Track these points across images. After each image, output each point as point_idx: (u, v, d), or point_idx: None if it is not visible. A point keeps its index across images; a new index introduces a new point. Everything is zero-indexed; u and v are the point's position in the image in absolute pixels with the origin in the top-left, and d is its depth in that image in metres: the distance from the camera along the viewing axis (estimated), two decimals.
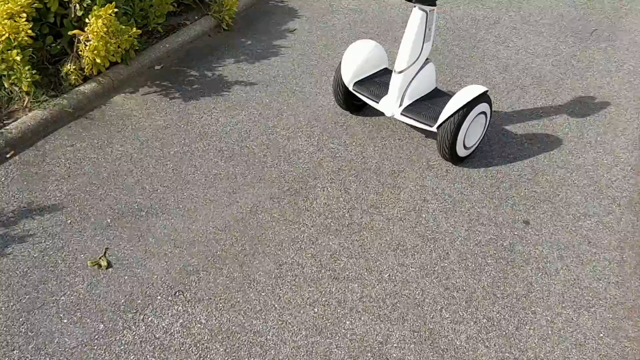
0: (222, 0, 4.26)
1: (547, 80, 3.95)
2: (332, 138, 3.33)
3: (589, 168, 3.20)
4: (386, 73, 3.36)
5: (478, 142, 3.24)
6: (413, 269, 2.56)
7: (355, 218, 2.81)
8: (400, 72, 3.10)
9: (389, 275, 2.53)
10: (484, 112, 3.11)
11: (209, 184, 2.98)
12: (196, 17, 4.31)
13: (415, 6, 2.95)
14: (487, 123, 3.22)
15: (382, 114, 3.25)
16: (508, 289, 2.50)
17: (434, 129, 3.05)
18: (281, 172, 3.07)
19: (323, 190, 2.96)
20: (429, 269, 2.57)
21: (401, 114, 3.14)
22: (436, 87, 3.34)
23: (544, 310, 2.41)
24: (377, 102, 3.22)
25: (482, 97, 3.02)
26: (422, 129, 3.18)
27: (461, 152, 3.12)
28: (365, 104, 3.39)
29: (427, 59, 3.18)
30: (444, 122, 2.98)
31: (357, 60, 3.30)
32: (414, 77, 3.14)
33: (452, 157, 3.11)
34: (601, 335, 2.32)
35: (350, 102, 3.46)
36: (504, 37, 4.45)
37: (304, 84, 3.81)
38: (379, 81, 3.31)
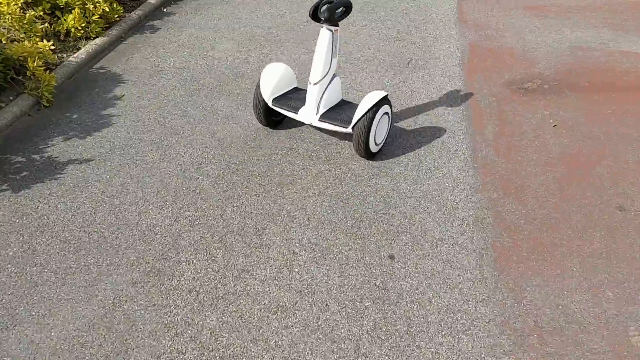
0: (39, 76, 3.95)
1: None
2: (186, 205, 3.21)
3: (434, 193, 3.40)
4: (297, 91, 3.84)
5: (384, 140, 3.75)
6: (297, 329, 2.52)
7: (229, 287, 2.71)
8: (315, 84, 3.57)
9: (275, 341, 2.46)
10: (387, 113, 3.64)
11: (61, 282, 2.71)
12: (11, 98, 3.95)
13: (322, 26, 3.46)
14: (390, 122, 3.76)
15: (241, 170, 3.24)
16: (390, 329, 2.55)
17: (349, 129, 3.53)
18: (139, 253, 2.88)
19: (189, 264, 2.83)
20: (313, 325, 2.54)
21: (319, 120, 3.59)
22: (342, 99, 3.83)
23: (427, 342, 2.49)
24: (296, 113, 3.65)
25: (385, 100, 3.54)
26: (339, 132, 3.65)
27: (373, 147, 3.63)
28: (282, 119, 3.96)
29: (334, 73, 3.64)
30: (357, 121, 3.45)
31: (273, 80, 3.73)
32: (326, 88, 3.61)
33: (366, 153, 3.61)
34: (482, 355, 2.44)
35: (270, 119, 3.88)
36: None
37: (145, 152, 3.64)
38: (293, 97, 3.77)
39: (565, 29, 5.71)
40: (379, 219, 3.18)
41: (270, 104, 3.71)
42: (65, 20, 4.57)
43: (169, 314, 2.56)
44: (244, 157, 3.65)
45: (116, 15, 4.96)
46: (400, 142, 3.87)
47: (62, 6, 4.62)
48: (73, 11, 4.56)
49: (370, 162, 3.65)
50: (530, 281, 2.81)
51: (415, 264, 2.89)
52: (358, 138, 3.50)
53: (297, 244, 2.98)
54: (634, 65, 5.02)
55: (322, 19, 3.36)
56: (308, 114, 3.61)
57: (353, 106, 3.65)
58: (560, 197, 3.40)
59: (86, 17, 4.68)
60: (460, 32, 5.53)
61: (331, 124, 3.56)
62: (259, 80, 3.73)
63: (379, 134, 3.60)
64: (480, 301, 2.70)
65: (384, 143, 3.75)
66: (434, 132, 3.99)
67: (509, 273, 2.86)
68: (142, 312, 2.57)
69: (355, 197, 3.34)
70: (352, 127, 3.49)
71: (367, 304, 2.66)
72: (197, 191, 3.33)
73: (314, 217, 3.17)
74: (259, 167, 3.55)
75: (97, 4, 4.75)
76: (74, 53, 4.48)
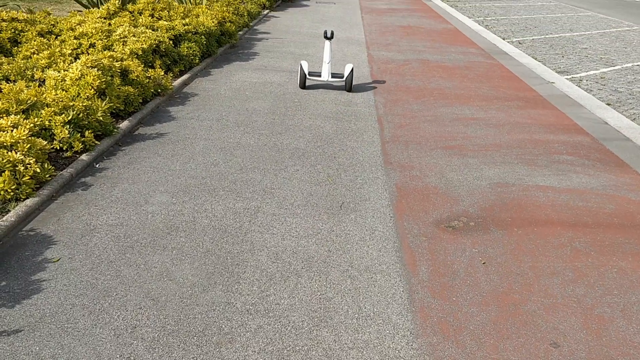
0: None
1: (315, 261, 4.22)
2: None
3: (375, 342, 3.40)
4: (312, 73, 8.85)
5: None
6: None
7: None
8: (328, 63, 8.60)
9: None
10: (353, 72, 8.81)
11: None
12: None
13: (327, 41, 8.55)
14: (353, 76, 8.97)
15: None
16: None
17: (342, 82, 8.78)
18: None
19: None
20: None
21: (330, 78, 8.66)
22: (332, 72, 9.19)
23: None
24: (320, 77, 8.68)
25: (352, 69, 8.72)
26: (339, 84, 9.06)
27: (351, 87, 8.83)
28: (305, 84, 8.88)
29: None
30: (346, 77, 8.66)
31: (305, 67, 8.66)
32: (330, 65, 8.66)
33: (350, 88, 8.74)
34: None
35: (304, 84, 8.78)
36: (267, 225, 4.70)
37: (76, 318, 3.51)
38: (313, 73, 8.82)
39: (484, 166, 6.11)
40: None
41: (307, 76, 8.71)
42: None
43: None
44: (180, 316, 3.57)
45: (47, 175, 4.95)
46: (338, 288, 3.90)
47: None
48: (3, 174, 4.53)
49: (308, 312, 3.64)
50: None
51: None
52: (347, 83, 8.68)
53: None
54: (549, 199, 5.37)
55: (329, 37, 8.58)
56: (325, 77, 8.69)
57: (340, 74, 8.86)
58: (496, 337, 3.47)
59: (16, 179, 4.65)
60: (386, 174, 5.81)
61: (335, 79, 8.74)
62: (301, 67, 8.67)
63: (352, 79, 8.92)
64: None
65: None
66: (371, 277, 4.06)
67: None
68: None
69: (297, 352, 3.30)
70: (344, 80, 8.70)
71: None
72: (132, 358, 3.20)
73: None
74: (196, 326, 3.48)
75: (29, 165, 4.75)
76: (3, 216, 4.39)
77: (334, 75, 8.77)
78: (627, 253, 4.52)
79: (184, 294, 3.79)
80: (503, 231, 4.76)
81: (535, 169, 6.11)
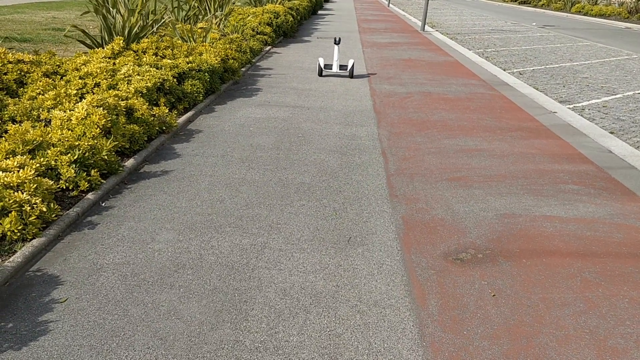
0: None
1: (324, 297, 4.18)
2: None
3: None
4: (326, 66, 13.02)
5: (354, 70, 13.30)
6: None
7: None
8: (336, 60, 12.48)
9: None
10: (354, 64, 12.78)
11: None
12: None
13: (336, 46, 12.55)
14: (354, 66, 13.14)
15: None
16: None
17: (347, 72, 12.67)
18: None
19: None
20: None
21: (338, 70, 12.59)
22: (340, 64, 13.35)
23: None
24: (332, 69, 12.61)
25: (353, 63, 12.72)
26: (344, 74, 12.92)
27: (353, 75, 12.84)
28: (322, 73, 12.90)
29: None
30: (350, 68, 12.54)
31: (321, 61, 12.58)
32: (338, 61, 12.67)
33: (352, 76, 12.65)
34: None
35: (322, 73, 12.66)
36: (274, 261, 4.67)
37: (84, 359, 3.47)
38: (327, 66, 13.02)
39: (490, 197, 6.10)
40: None
41: (323, 68, 12.60)
42: (0, 224, 4.52)
43: None
44: (188, 355, 3.53)
45: (54, 215, 4.95)
46: (348, 323, 3.86)
47: None
48: (10, 215, 4.54)
49: (320, 348, 3.60)
50: None
51: None
52: (350, 73, 12.50)
53: None
54: (557, 229, 5.35)
55: (337, 43, 12.45)
56: (335, 69, 12.53)
57: (345, 66, 12.78)
58: None
59: (23, 219, 4.66)
60: (392, 207, 5.80)
61: (343, 71, 12.63)
62: (319, 62, 12.56)
63: (354, 70, 13.01)
64: None
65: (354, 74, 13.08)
66: (380, 311, 4.02)
67: None
68: None
69: None
70: (348, 71, 12.57)
71: None
72: None
73: None
74: None
75: (35, 205, 4.75)
76: (10, 257, 4.38)
77: (341, 68, 12.75)
78: (638, 283, 4.47)
79: (192, 332, 3.75)
80: (512, 263, 4.72)
81: (541, 199, 6.09)
